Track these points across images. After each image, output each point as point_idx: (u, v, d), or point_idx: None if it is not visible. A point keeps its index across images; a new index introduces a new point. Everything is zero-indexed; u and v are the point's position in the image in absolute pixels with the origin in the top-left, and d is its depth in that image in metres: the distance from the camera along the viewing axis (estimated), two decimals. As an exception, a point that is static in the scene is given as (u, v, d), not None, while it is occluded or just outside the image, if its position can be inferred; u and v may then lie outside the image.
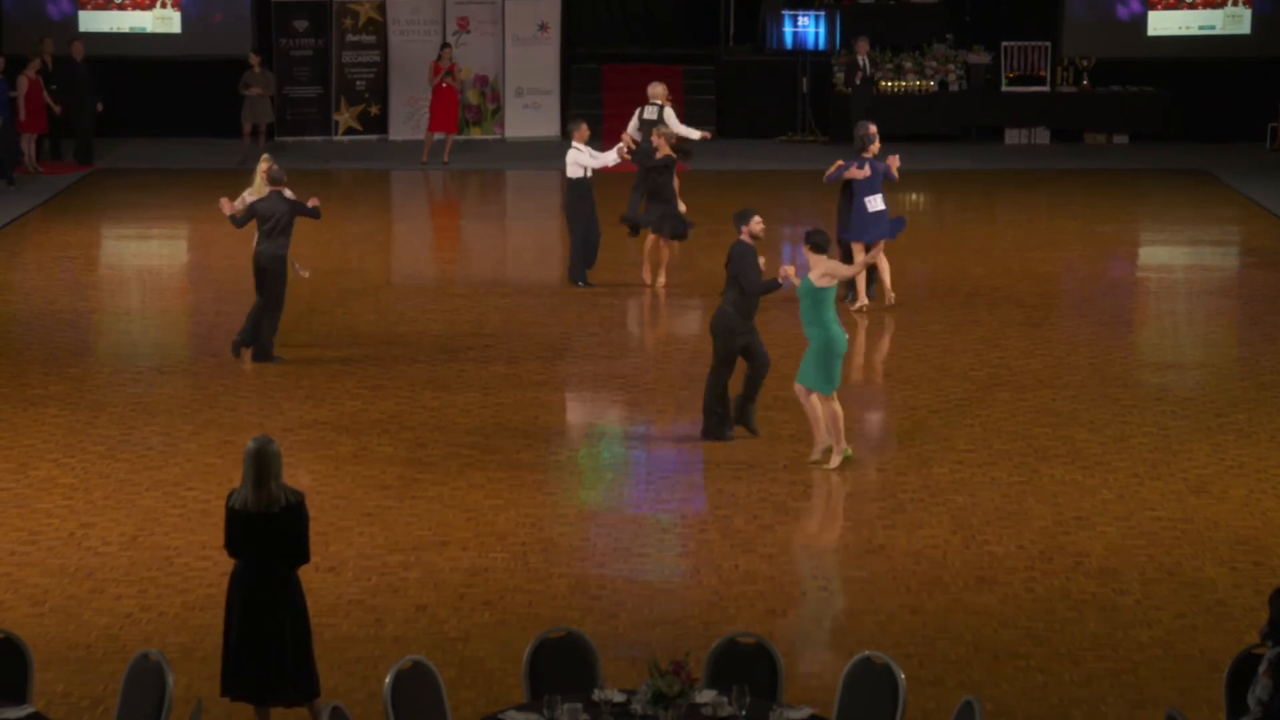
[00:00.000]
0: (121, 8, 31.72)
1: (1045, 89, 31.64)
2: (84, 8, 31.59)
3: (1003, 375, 17.67)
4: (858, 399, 16.90)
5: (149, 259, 23.88)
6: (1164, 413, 16.53)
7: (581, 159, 20.74)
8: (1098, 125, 31.95)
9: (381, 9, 31.65)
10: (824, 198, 26.94)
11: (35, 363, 18.06)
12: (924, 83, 31.47)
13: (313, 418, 16.26)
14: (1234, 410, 16.59)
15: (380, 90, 31.83)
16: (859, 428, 16.01)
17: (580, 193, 20.91)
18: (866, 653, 9.51)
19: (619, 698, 9.16)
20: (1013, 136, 31.84)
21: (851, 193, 19.82)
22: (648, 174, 20.91)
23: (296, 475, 14.08)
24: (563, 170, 21.30)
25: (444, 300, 20.74)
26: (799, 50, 31.61)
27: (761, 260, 15.37)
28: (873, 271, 19.92)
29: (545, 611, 12.18)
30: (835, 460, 14.90)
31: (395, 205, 28.26)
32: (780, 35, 31.70)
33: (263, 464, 10.09)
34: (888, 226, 19.81)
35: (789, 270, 14.93)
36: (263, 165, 18.14)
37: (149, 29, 31.77)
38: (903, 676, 9.26)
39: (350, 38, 31.60)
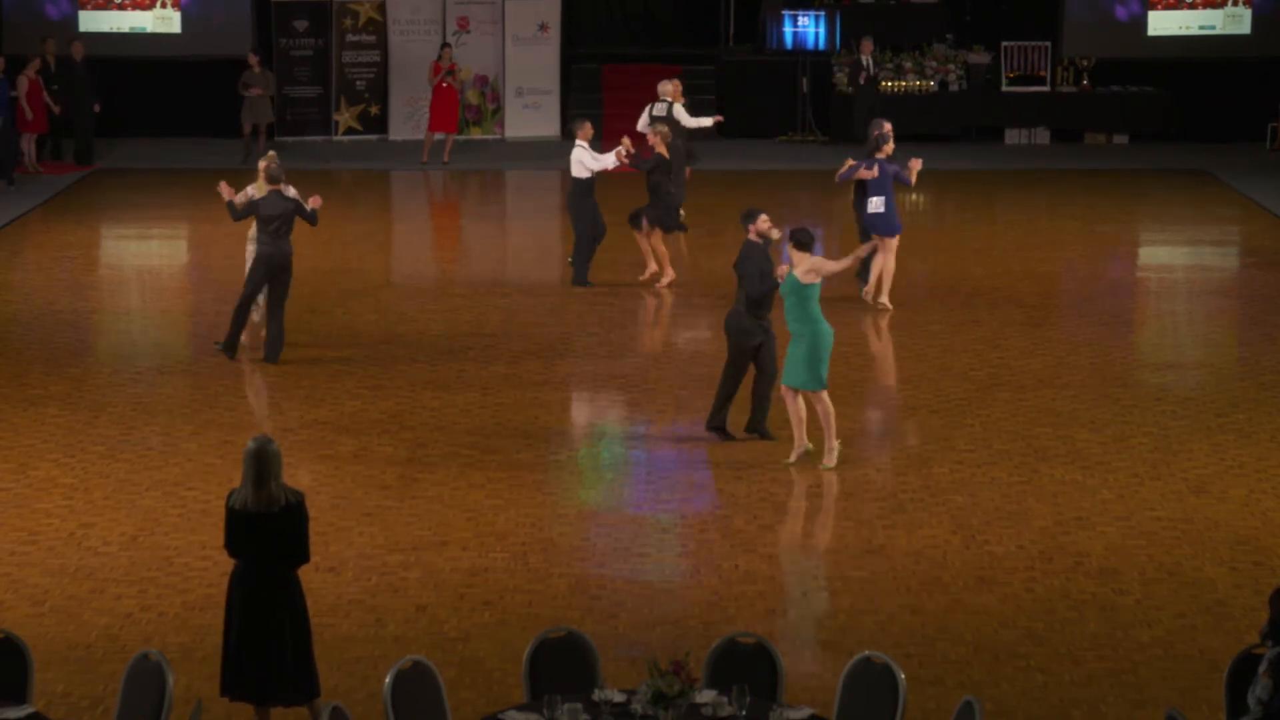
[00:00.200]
0: (121, 8, 31.71)
1: (1045, 89, 31.64)
2: (84, 8, 31.58)
3: (1003, 375, 17.67)
4: (858, 399, 16.90)
5: (149, 259, 23.88)
6: (1164, 413, 16.53)
7: (585, 160, 20.75)
8: (1098, 125, 31.94)
9: (381, 9, 31.65)
10: (824, 197, 26.99)
11: (35, 363, 18.06)
12: (924, 83, 31.46)
13: (313, 418, 16.26)
14: (1234, 410, 16.59)
15: (380, 90, 31.82)
16: (859, 427, 16.01)
17: (584, 191, 20.92)
18: (866, 653, 9.51)
19: (619, 698, 9.16)
20: (1013, 136, 31.83)
21: (864, 192, 19.89)
22: (651, 173, 20.96)
23: (296, 475, 14.08)
24: (565, 170, 21.30)
25: (444, 300, 20.74)
26: (799, 50, 31.60)
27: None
28: (866, 266, 20.00)
29: (545, 611, 12.18)
30: (831, 459, 14.89)
31: (395, 205, 28.25)
32: (780, 35, 31.69)
33: (263, 464, 10.08)
34: (885, 227, 19.81)
35: (784, 270, 14.95)
36: (262, 163, 18.15)
37: (149, 29, 31.75)
38: (903, 676, 9.26)
39: (350, 38, 31.59)
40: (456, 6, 31.75)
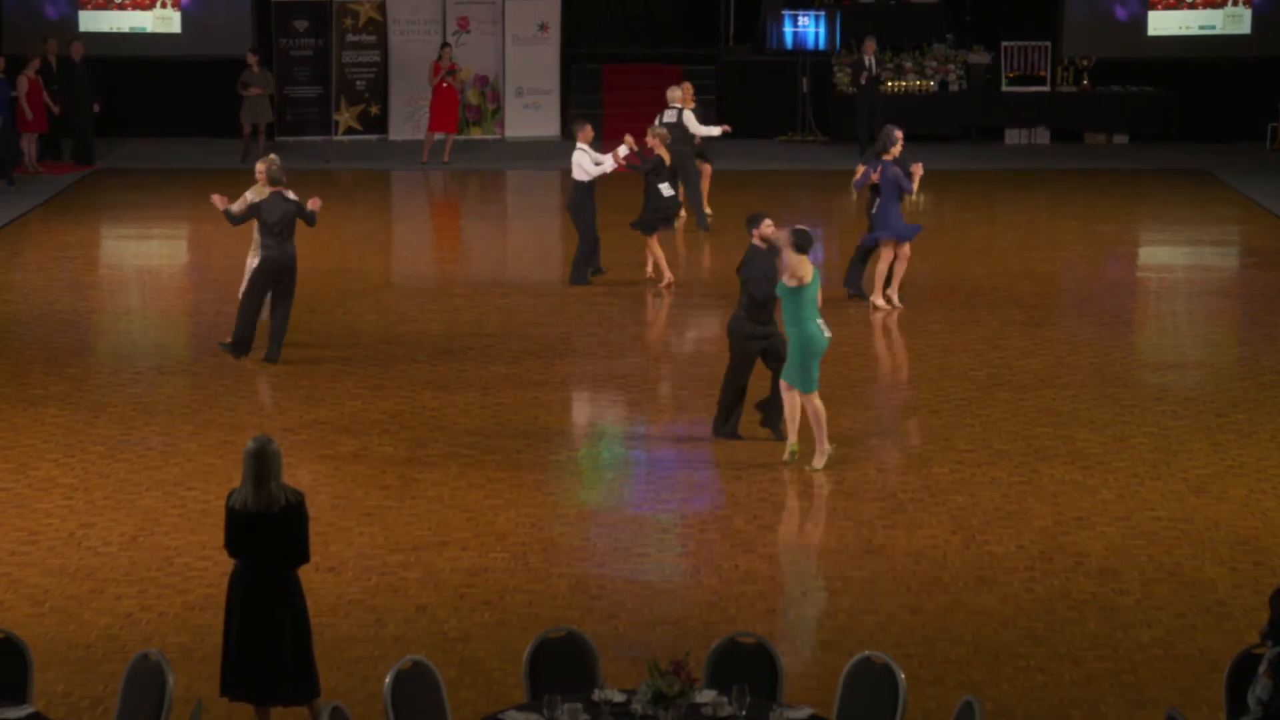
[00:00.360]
0: (121, 8, 31.71)
1: (1045, 89, 31.64)
2: (84, 8, 31.58)
3: (1003, 375, 17.67)
4: (858, 399, 16.91)
5: (149, 259, 23.88)
6: (1164, 413, 16.53)
7: (585, 164, 20.75)
8: (1098, 125, 31.94)
9: (381, 9, 31.65)
10: (824, 197, 27.05)
11: (35, 363, 18.06)
12: (924, 83, 31.47)
13: (313, 418, 16.27)
14: (1234, 410, 16.59)
15: (380, 90, 31.83)
16: (859, 427, 16.01)
17: (584, 193, 20.93)
18: (866, 653, 9.51)
19: (619, 698, 9.16)
20: (1013, 136, 31.84)
21: (876, 195, 19.93)
22: (648, 174, 20.98)
23: (296, 475, 14.08)
24: (565, 170, 21.30)
25: (444, 300, 20.74)
26: (799, 50, 31.61)
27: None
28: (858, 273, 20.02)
29: (545, 611, 12.19)
30: (819, 461, 14.88)
31: (395, 205, 28.25)
32: (780, 35, 31.70)
33: (263, 464, 10.08)
34: (888, 230, 19.83)
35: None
36: (261, 165, 18.13)
37: (149, 29, 31.76)
38: (903, 676, 9.27)
39: (350, 38, 31.60)
40: (456, 6, 31.76)
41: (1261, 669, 9.00)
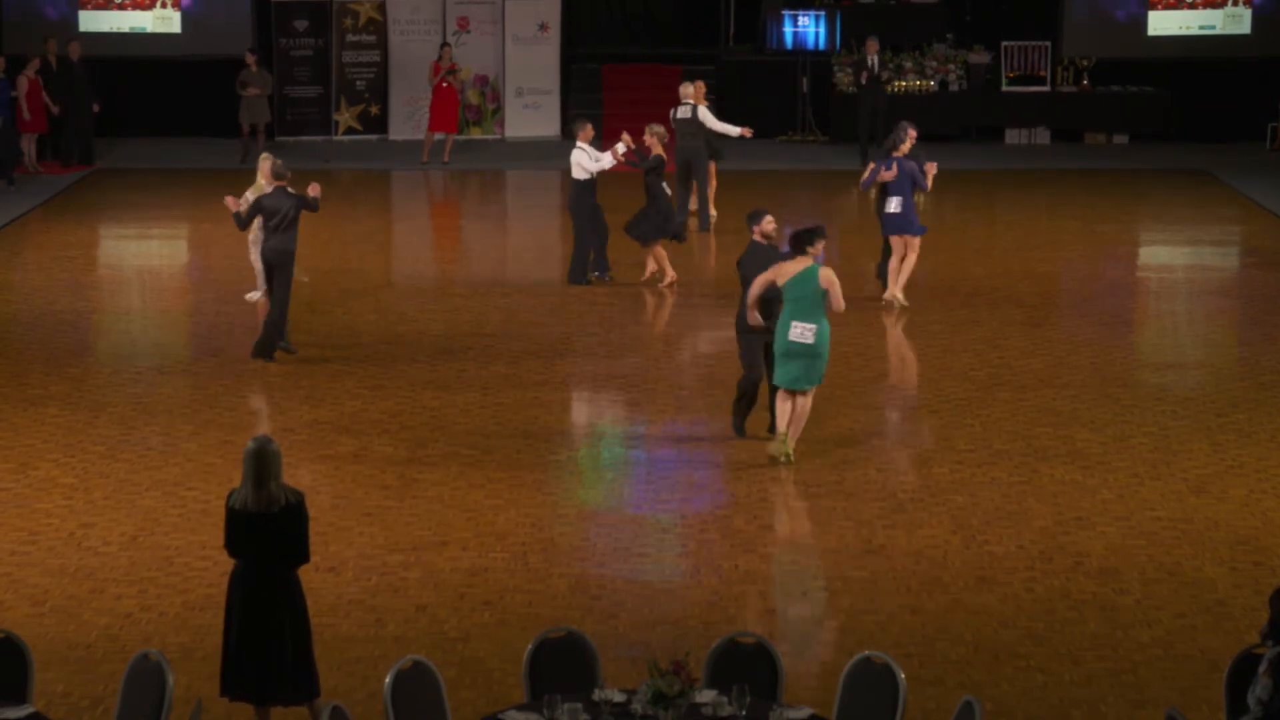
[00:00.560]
0: (121, 8, 31.71)
1: (1045, 89, 31.64)
2: (84, 8, 31.58)
3: (1003, 375, 17.67)
4: (858, 399, 16.90)
5: (149, 259, 23.88)
6: (1164, 413, 16.53)
7: (584, 161, 20.75)
8: (1098, 125, 31.94)
9: (381, 9, 31.65)
10: (824, 197, 27.04)
11: (35, 363, 18.06)
12: (924, 83, 31.47)
13: (313, 418, 16.26)
14: (1234, 410, 16.59)
15: (380, 90, 31.83)
16: (859, 427, 16.02)
17: (584, 192, 20.91)
18: (866, 653, 9.51)
19: (619, 698, 9.15)
20: (1013, 136, 31.84)
21: (885, 195, 19.95)
22: (647, 174, 20.95)
23: (296, 475, 14.07)
24: (566, 170, 21.30)
25: (444, 300, 20.74)
26: (799, 50, 31.61)
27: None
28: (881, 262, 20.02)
29: (545, 611, 12.18)
30: (774, 448, 14.86)
31: (395, 205, 28.25)
32: (780, 35, 31.70)
33: (262, 464, 10.08)
34: (905, 227, 19.85)
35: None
36: (265, 162, 18.13)
37: (149, 29, 31.76)
38: (903, 676, 9.26)
39: (350, 38, 31.60)
40: (456, 6, 31.76)
41: (1261, 669, 9.00)
